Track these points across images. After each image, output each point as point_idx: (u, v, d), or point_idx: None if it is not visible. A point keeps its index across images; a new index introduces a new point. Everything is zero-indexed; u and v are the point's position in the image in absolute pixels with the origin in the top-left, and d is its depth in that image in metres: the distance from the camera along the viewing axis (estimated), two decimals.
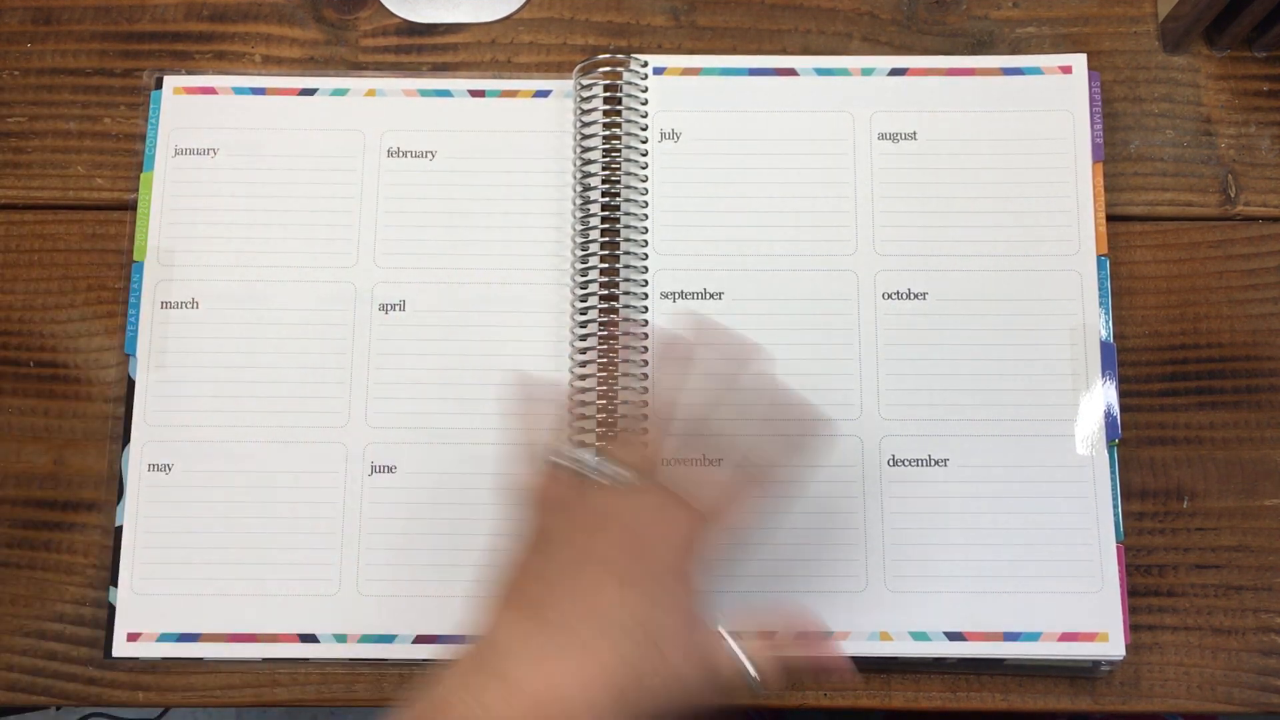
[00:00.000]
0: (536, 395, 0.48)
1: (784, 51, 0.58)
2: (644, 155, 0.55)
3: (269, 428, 0.54)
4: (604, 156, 0.55)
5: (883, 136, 0.56)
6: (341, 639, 0.52)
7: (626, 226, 0.55)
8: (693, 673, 0.40)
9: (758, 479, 0.44)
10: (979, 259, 0.54)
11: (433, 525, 0.53)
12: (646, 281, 0.54)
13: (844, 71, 0.56)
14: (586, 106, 0.56)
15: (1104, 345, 0.53)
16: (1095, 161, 0.55)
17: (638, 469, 0.43)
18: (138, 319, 0.55)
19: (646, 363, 0.53)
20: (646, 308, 0.54)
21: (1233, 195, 0.56)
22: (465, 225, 0.56)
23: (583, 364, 0.53)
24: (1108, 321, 0.54)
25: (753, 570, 0.51)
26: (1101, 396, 0.53)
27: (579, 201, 0.55)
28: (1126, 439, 0.53)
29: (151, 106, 0.57)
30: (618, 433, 0.45)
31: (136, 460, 0.54)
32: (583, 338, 0.54)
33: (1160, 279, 0.55)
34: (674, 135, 0.56)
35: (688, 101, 0.56)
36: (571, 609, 0.39)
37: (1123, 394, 0.54)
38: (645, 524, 0.41)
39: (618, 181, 0.55)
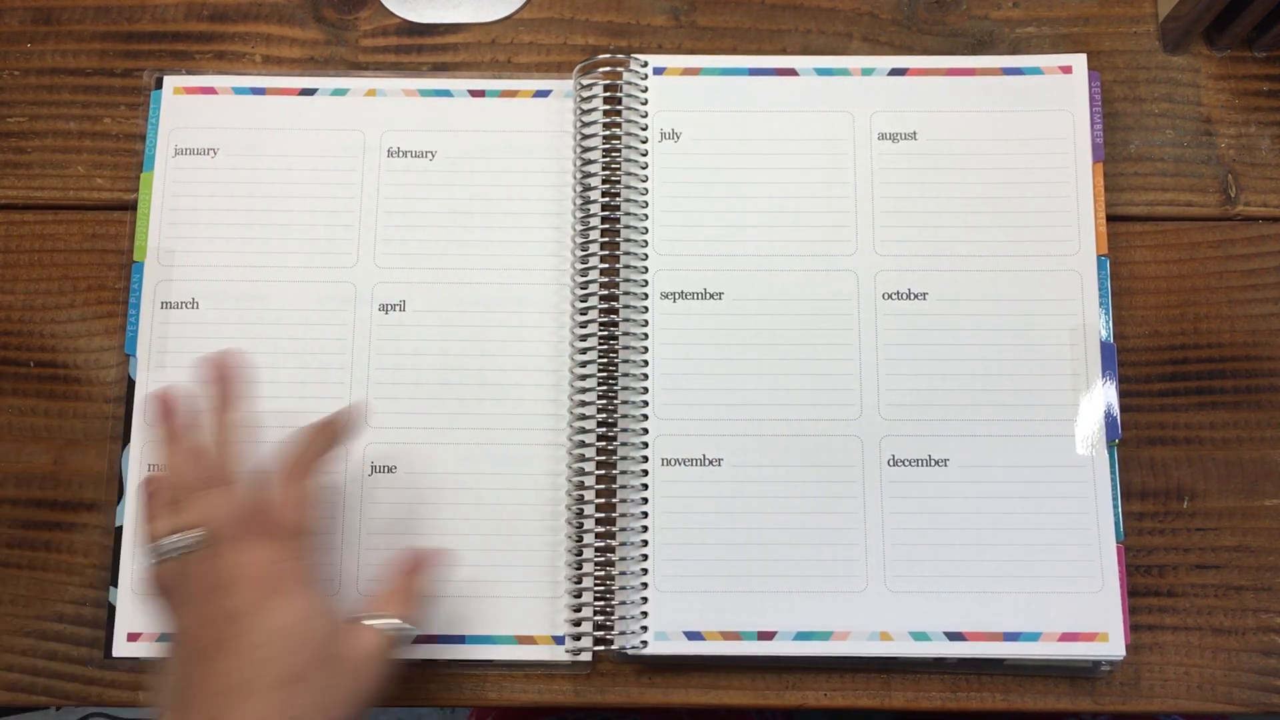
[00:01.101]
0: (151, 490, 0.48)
1: (784, 51, 0.58)
2: (644, 155, 0.55)
3: (269, 428, 0.54)
4: (604, 156, 0.55)
5: (883, 136, 0.56)
6: None
7: (626, 227, 0.55)
8: (354, 677, 0.43)
9: (303, 472, 0.46)
10: (979, 259, 0.54)
11: (433, 525, 0.53)
12: (646, 281, 0.54)
13: (844, 71, 0.56)
14: (586, 106, 0.56)
15: (1104, 345, 0.53)
16: (1095, 161, 0.55)
17: (204, 524, 0.44)
18: (138, 319, 0.55)
19: (647, 363, 0.53)
20: (647, 308, 0.54)
21: (1233, 195, 0.56)
22: (465, 225, 0.56)
23: (583, 364, 0.53)
24: (1108, 321, 0.54)
25: (753, 570, 0.51)
26: (1101, 396, 0.53)
27: (579, 201, 0.55)
28: (1126, 439, 0.54)
29: (151, 106, 0.57)
30: (186, 495, 0.46)
31: (136, 460, 0.54)
32: (583, 338, 0.54)
33: (1160, 279, 0.55)
34: (674, 135, 0.56)
35: (688, 101, 0.56)
36: (207, 702, 0.41)
37: (1123, 394, 0.54)
38: (212, 585, 0.43)
39: (618, 181, 0.55)
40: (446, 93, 0.57)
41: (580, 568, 0.52)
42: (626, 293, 0.54)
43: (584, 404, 0.53)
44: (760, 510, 0.52)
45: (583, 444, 0.53)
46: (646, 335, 0.53)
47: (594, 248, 0.54)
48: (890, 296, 0.54)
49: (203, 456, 0.47)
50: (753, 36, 0.58)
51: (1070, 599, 0.51)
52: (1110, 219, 0.55)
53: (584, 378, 0.53)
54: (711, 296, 0.54)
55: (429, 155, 0.56)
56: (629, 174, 0.55)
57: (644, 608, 0.51)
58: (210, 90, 0.57)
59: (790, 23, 0.58)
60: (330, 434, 0.48)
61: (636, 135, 0.56)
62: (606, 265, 0.55)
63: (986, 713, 0.53)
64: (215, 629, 0.42)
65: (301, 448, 0.47)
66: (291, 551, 0.45)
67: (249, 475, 0.47)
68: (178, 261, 0.55)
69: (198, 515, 0.45)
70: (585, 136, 0.55)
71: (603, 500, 0.52)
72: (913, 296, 0.54)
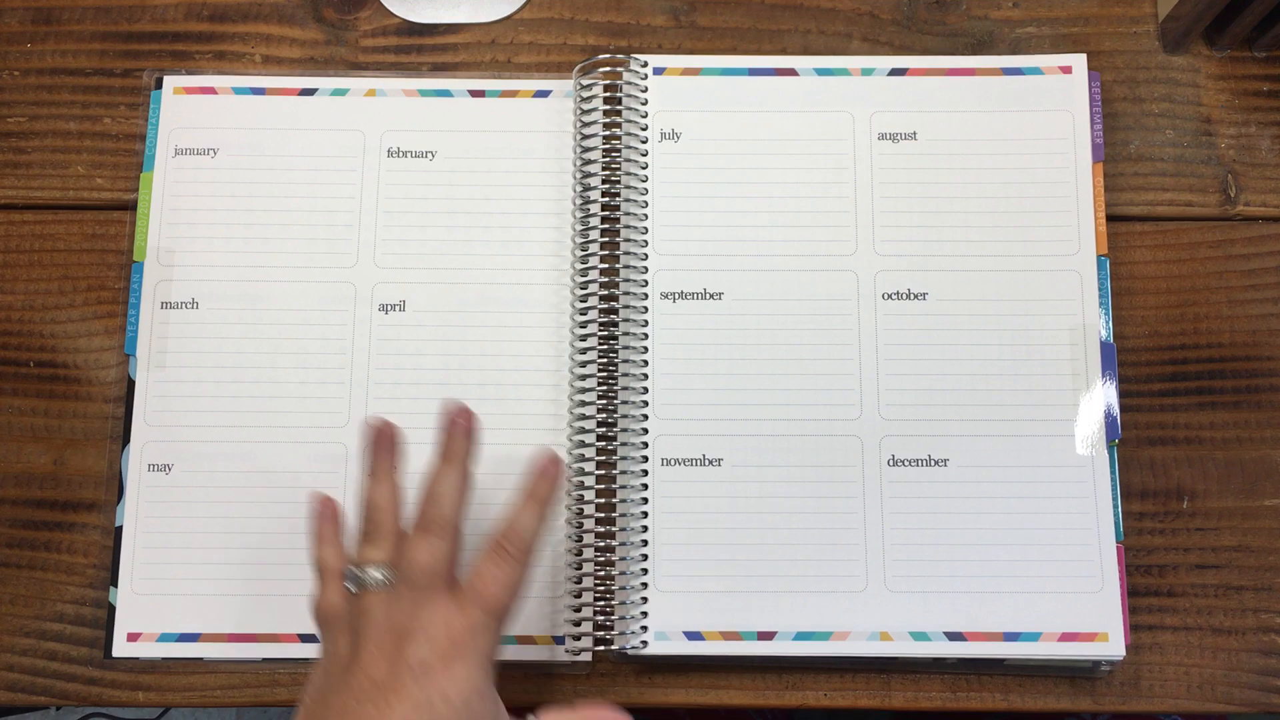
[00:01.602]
0: (324, 514, 0.48)
1: (784, 51, 0.58)
2: (644, 155, 0.55)
3: (269, 428, 0.54)
4: (604, 156, 0.55)
5: (883, 136, 0.56)
6: None
7: (626, 226, 0.55)
8: None
9: (516, 555, 0.45)
10: (979, 259, 0.54)
11: None
12: (646, 281, 0.54)
13: (844, 71, 0.56)
14: (586, 106, 0.56)
15: (1104, 345, 0.53)
16: (1095, 161, 0.55)
17: (405, 566, 0.44)
18: (138, 319, 0.55)
19: (647, 363, 0.53)
20: (646, 308, 0.54)
21: (1233, 195, 0.56)
22: (465, 225, 0.56)
23: (583, 364, 0.53)
24: (1108, 321, 0.54)
25: (753, 570, 0.51)
26: (1101, 396, 0.53)
27: (579, 201, 0.55)
28: (1126, 439, 0.54)
29: (151, 106, 0.57)
30: (371, 531, 0.46)
31: (136, 460, 0.54)
32: (583, 338, 0.54)
33: (1160, 279, 0.55)
34: (674, 135, 0.56)
35: (688, 101, 0.56)
36: None
37: (1123, 394, 0.54)
38: (404, 630, 0.43)
39: (618, 181, 0.55)
40: (446, 93, 0.57)
41: (580, 568, 0.52)
42: (626, 293, 0.54)
43: (584, 404, 0.53)
44: (760, 510, 0.52)
45: (583, 444, 0.53)
46: (646, 335, 0.53)
47: (594, 248, 0.54)
48: (890, 296, 0.54)
49: (398, 500, 0.47)
50: (753, 36, 0.58)
51: (1070, 599, 0.51)
52: (1110, 219, 0.55)
53: (584, 378, 0.53)
54: (711, 296, 0.54)
55: (429, 155, 0.57)
56: (629, 174, 0.55)
57: (644, 608, 0.51)
58: (210, 90, 0.57)
59: (790, 23, 0.58)
60: (544, 505, 0.46)
61: (636, 135, 0.56)
62: (606, 265, 0.55)
63: (986, 713, 0.53)
64: (395, 672, 0.42)
65: (519, 526, 0.45)
66: (485, 629, 0.43)
67: (459, 532, 0.46)
68: (178, 261, 0.55)
69: (400, 555, 0.44)
70: (585, 136, 0.55)
71: (603, 500, 0.52)
72: (913, 296, 0.54)
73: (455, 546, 0.45)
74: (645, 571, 0.51)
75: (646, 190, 0.55)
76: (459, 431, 0.47)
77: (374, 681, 0.41)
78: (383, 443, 0.48)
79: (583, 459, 0.52)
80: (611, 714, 0.44)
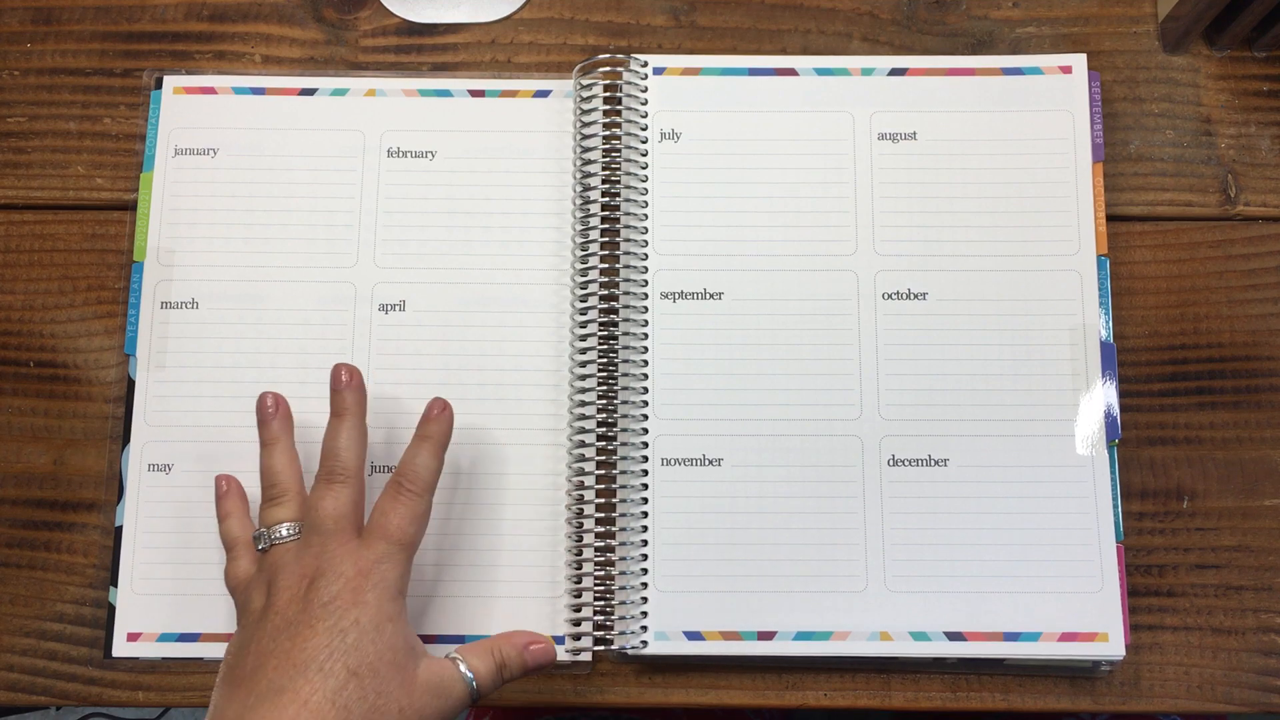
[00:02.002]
0: (226, 491, 0.51)
1: (784, 51, 0.58)
2: (644, 155, 0.55)
3: None
4: (604, 156, 0.55)
5: (883, 136, 0.56)
6: None
7: (626, 227, 0.55)
8: (410, 695, 0.44)
9: (415, 490, 0.47)
10: (979, 259, 0.54)
11: (432, 525, 0.53)
12: (646, 282, 0.54)
13: (844, 71, 0.56)
14: (586, 106, 0.56)
15: (1104, 345, 0.53)
16: (1095, 161, 0.55)
17: (309, 518, 0.47)
18: (138, 319, 0.55)
19: (647, 363, 0.53)
20: (647, 308, 0.54)
21: (1233, 195, 0.56)
22: (465, 225, 0.56)
23: (583, 364, 0.53)
24: (1108, 321, 0.54)
25: (753, 570, 0.51)
26: (1101, 396, 0.53)
27: (579, 201, 0.55)
28: (1126, 439, 0.54)
29: (151, 106, 0.57)
30: (276, 495, 0.49)
31: (136, 460, 0.54)
32: (583, 338, 0.54)
33: (1160, 279, 0.55)
34: (674, 135, 0.56)
35: (688, 101, 0.56)
36: (278, 671, 0.42)
37: (1123, 394, 0.54)
38: (315, 571, 0.45)
39: (618, 181, 0.55)
40: (446, 93, 0.57)
41: (580, 568, 0.52)
42: (626, 293, 0.54)
43: (584, 404, 0.53)
44: (760, 510, 0.52)
45: (583, 444, 0.53)
46: (646, 335, 0.53)
47: (594, 248, 0.54)
48: (890, 296, 0.54)
49: (295, 462, 0.50)
50: (753, 36, 0.58)
51: (1070, 599, 0.51)
52: (1110, 219, 0.55)
53: (584, 378, 0.53)
54: (711, 296, 0.54)
55: (429, 155, 0.57)
56: (629, 174, 0.55)
57: (644, 608, 0.51)
58: (210, 90, 0.57)
59: (790, 23, 0.58)
60: (437, 444, 0.49)
61: (636, 135, 0.56)
62: (606, 265, 0.55)
63: (986, 713, 0.53)
64: (309, 611, 0.44)
65: (416, 464, 0.48)
66: (390, 558, 0.46)
67: (362, 479, 0.48)
68: (178, 261, 0.55)
69: (306, 510, 0.47)
70: (585, 136, 0.55)
71: (603, 500, 0.52)
72: (913, 296, 0.54)
73: (359, 492, 0.48)
74: (645, 571, 0.51)
75: (646, 190, 0.55)
76: (347, 386, 0.49)
77: (288, 620, 0.44)
78: (271, 412, 0.50)
79: (583, 459, 0.52)
80: (524, 636, 0.47)
